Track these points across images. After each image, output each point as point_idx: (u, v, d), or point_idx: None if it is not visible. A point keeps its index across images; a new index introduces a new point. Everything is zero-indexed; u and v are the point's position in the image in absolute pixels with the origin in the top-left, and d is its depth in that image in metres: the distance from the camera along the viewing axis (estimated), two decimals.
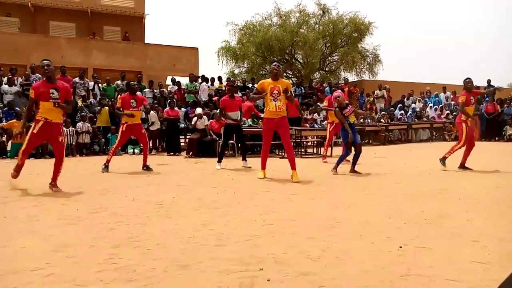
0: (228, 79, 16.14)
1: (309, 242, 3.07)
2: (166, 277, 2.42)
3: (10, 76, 11.98)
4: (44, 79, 5.43)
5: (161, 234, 3.31)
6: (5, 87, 11.72)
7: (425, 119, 16.32)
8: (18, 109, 10.62)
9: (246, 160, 8.08)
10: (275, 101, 6.26)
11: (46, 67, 5.36)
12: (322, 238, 3.15)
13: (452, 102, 17.47)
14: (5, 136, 10.20)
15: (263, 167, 6.52)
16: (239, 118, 8.11)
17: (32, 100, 5.37)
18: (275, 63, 6.54)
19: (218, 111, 11.75)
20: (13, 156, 9.80)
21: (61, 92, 5.38)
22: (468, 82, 7.37)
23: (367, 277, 2.39)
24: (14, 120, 10.16)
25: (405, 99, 17.66)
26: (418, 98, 17.72)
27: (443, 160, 7.40)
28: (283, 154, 10.87)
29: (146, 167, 7.49)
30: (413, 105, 17.06)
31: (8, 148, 10.16)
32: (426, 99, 17.82)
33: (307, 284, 2.30)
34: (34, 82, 12.07)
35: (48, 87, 5.31)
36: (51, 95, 5.30)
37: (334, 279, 2.35)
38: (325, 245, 2.98)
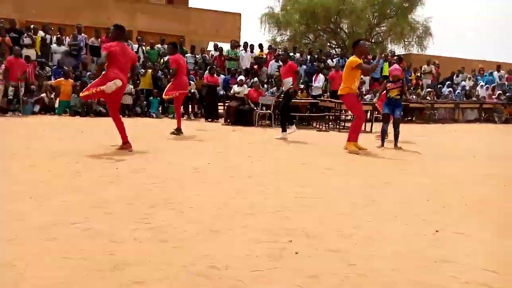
0: (269, 47, 15.85)
1: (342, 218, 3.03)
2: (197, 240, 2.48)
3: (59, 35, 12.34)
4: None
5: (195, 198, 3.38)
6: (54, 46, 12.12)
7: (475, 98, 15.43)
8: (66, 68, 10.99)
9: (286, 131, 7.88)
10: (357, 83, 6.58)
11: None
12: (355, 216, 3.10)
13: (506, 82, 16.38)
14: (53, 93, 10.64)
15: (356, 139, 6.50)
16: (290, 85, 7.77)
17: None
18: (364, 42, 6.79)
19: (255, 80, 11.66)
20: (60, 113, 10.27)
21: None
22: None
23: (400, 259, 2.33)
24: (62, 79, 10.55)
25: (455, 76, 16.73)
26: (469, 76, 16.71)
27: None
28: (321, 127, 10.73)
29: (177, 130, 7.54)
30: (462, 83, 16.13)
31: (56, 105, 10.61)
32: (478, 77, 16.80)
33: (337, 260, 2.28)
34: (81, 43, 12.43)
35: None
36: None
37: (365, 258, 2.32)
38: (357, 223, 2.93)
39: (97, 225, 2.63)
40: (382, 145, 7.05)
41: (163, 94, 7.46)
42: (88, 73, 11.50)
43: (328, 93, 12.30)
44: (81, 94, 5.66)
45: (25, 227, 2.53)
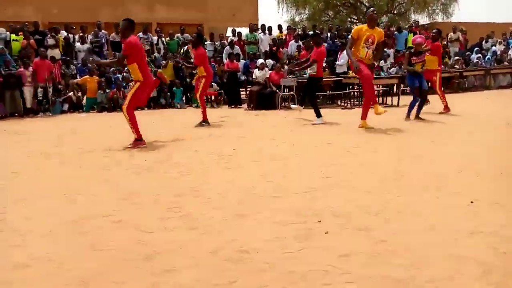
0: (288, 27, 15.58)
1: (370, 196, 2.97)
2: (225, 226, 2.49)
3: (81, 33, 12.56)
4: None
5: (221, 184, 3.40)
6: (77, 44, 12.35)
7: (506, 63, 14.70)
8: (90, 65, 11.21)
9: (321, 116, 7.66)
10: (367, 49, 6.08)
11: None
12: (384, 192, 3.04)
13: None
14: (80, 91, 10.90)
15: (365, 117, 6.26)
16: (314, 72, 7.60)
17: None
18: (373, 9, 6.36)
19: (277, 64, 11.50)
20: (88, 110, 10.52)
21: None
22: None
23: (431, 233, 2.27)
24: (87, 76, 10.77)
25: (484, 42, 15.97)
26: (499, 40, 15.90)
27: None
28: (346, 104, 10.53)
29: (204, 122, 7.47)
30: (493, 48, 15.38)
31: (84, 102, 10.87)
32: (510, 40, 15.97)
33: (366, 238, 2.24)
34: (103, 39, 12.60)
35: None
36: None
37: (394, 234, 2.27)
38: (386, 199, 2.86)
39: (126, 217, 2.68)
40: (408, 117, 6.97)
41: (199, 94, 7.32)
42: (111, 68, 11.69)
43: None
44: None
45: (58, 222, 2.61)
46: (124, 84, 10.76)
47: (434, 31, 8.47)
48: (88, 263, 2.05)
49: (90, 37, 12.82)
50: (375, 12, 6.23)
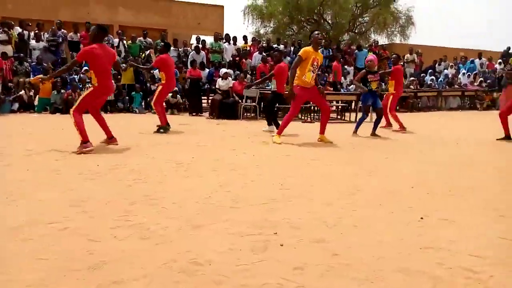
0: (253, 39, 15.72)
1: (326, 208, 3.00)
2: (179, 236, 2.41)
3: (37, 31, 12.02)
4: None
5: (177, 193, 3.31)
6: (32, 42, 11.80)
7: (457, 86, 15.61)
8: (46, 64, 10.72)
9: (272, 125, 7.74)
10: (313, 73, 6.07)
11: None
12: (340, 205, 3.07)
13: (487, 70, 16.62)
14: (33, 91, 10.38)
15: (281, 132, 6.37)
16: (275, 88, 7.62)
17: None
18: (318, 32, 6.24)
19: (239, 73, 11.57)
20: (40, 111, 10.03)
21: None
22: None
23: (384, 247, 2.31)
24: (41, 75, 10.28)
25: (437, 65, 16.89)
26: (451, 64, 16.90)
27: None
28: (306, 118, 10.70)
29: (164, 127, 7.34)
30: (445, 71, 16.31)
31: (35, 102, 10.36)
32: (460, 65, 17.00)
33: (321, 251, 2.24)
34: (60, 39, 12.12)
35: None
36: None
37: (349, 248, 2.29)
38: (342, 213, 2.90)
39: (75, 224, 2.54)
40: (355, 132, 7.19)
41: (154, 102, 7.17)
42: None
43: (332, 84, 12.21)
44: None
45: None
46: (81, 86, 10.38)
47: (394, 55, 8.86)
48: (30, 273, 1.90)
49: (46, 35, 12.31)
50: (320, 35, 6.22)
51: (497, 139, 6.87)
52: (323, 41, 6.18)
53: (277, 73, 7.59)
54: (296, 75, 6.05)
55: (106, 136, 5.63)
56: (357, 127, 7.22)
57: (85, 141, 5.00)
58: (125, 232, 2.44)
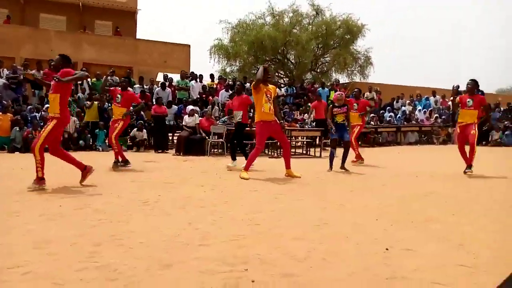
0: (219, 77, 16.04)
1: (296, 243, 3.04)
2: (148, 276, 2.37)
3: None
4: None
5: (144, 232, 3.25)
6: None
7: (414, 122, 16.43)
8: (5, 102, 10.42)
9: (235, 160, 7.84)
10: (269, 103, 6.41)
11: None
12: (309, 239, 3.12)
13: (441, 106, 17.63)
14: None
15: (248, 168, 6.48)
16: (240, 119, 7.81)
17: None
18: (265, 67, 6.60)
19: (207, 109, 11.73)
20: None
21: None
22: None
23: (353, 279, 2.36)
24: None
25: (395, 102, 17.77)
26: (408, 101, 17.84)
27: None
28: (273, 153, 10.85)
29: (118, 162, 7.32)
30: (402, 107, 17.17)
31: None
32: (416, 102, 17.96)
33: (291, 285, 2.27)
34: (21, 76, 11.87)
35: None
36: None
37: (319, 281, 2.32)
38: (311, 246, 2.94)
39: (39, 268, 2.44)
40: (331, 168, 7.25)
41: (114, 135, 7.20)
42: (29, 106, 10.95)
43: (313, 122, 12.44)
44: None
45: None
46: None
47: (355, 90, 9.29)
48: None
49: (6, 72, 12.04)
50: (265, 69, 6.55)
51: (464, 172, 7.10)
52: (269, 76, 6.56)
53: (240, 103, 7.77)
54: (256, 111, 6.43)
55: (80, 171, 5.39)
56: (331, 163, 7.32)
57: (42, 177, 4.97)
58: (91, 274, 2.37)
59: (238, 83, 9.56)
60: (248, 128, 8.16)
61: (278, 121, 6.60)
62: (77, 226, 3.37)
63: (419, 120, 16.54)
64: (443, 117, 16.77)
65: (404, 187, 5.78)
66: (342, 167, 7.28)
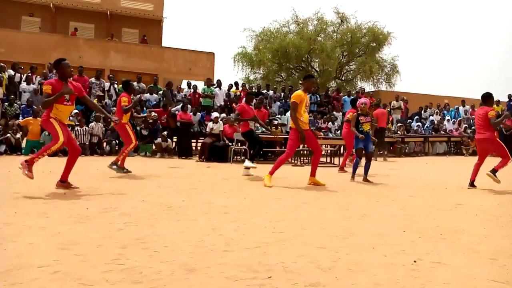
0: (243, 85, 16.16)
1: (320, 252, 2.99)
2: (172, 280, 2.37)
3: (29, 74, 12.18)
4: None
5: (169, 236, 3.27)
6: (23, 85, 11.92)
7: (443, 132, 16.04)
8: (35, 107, 10.77)
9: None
10: (307, 113, 6.49)
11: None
12: (334, 249, 3.07)
13: (471, 116, 17.18)
14: (21, 133, 10.35)
15: (273, 172, 6.42)
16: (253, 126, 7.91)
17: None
18: (313, 78, 6.76)
19: (230, 116, 11.79)
20: (27, 153, 9.95)
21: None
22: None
23: None
24: (30, 118, 10.31)
25: (423, 111, 17.42)
26: (436, 111, 17.46)
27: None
28: (296, 162, 10.79)
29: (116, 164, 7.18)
30: (430, 117, 16.81)
31: (23, 145, 10.30)
32: (444, 112, 17.56)
33: None
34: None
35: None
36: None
37: None
38: (336, 256, 2.89)
39: (66, 268, 2.48)
40: (353, 178, 7.13)
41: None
42: None
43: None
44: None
45: None
46: (70, 128, 10.40)
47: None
48: None
49: (38, 78, 12.48)
50: (315, 81, 6.74)
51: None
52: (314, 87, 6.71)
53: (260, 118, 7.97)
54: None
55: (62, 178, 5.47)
56: (354, 172, 7.22)
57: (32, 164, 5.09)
58: (117, 276, 2.39)
59: (258, 99, 9.80)
60: (272, 136, 8.21)
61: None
62: (103, 229, 3.43)
63: (447, 131, 16.14)
64: (473, 127, 16.31)
65: (432, 198, 5.62)
66: (365, 179, 7.08)
